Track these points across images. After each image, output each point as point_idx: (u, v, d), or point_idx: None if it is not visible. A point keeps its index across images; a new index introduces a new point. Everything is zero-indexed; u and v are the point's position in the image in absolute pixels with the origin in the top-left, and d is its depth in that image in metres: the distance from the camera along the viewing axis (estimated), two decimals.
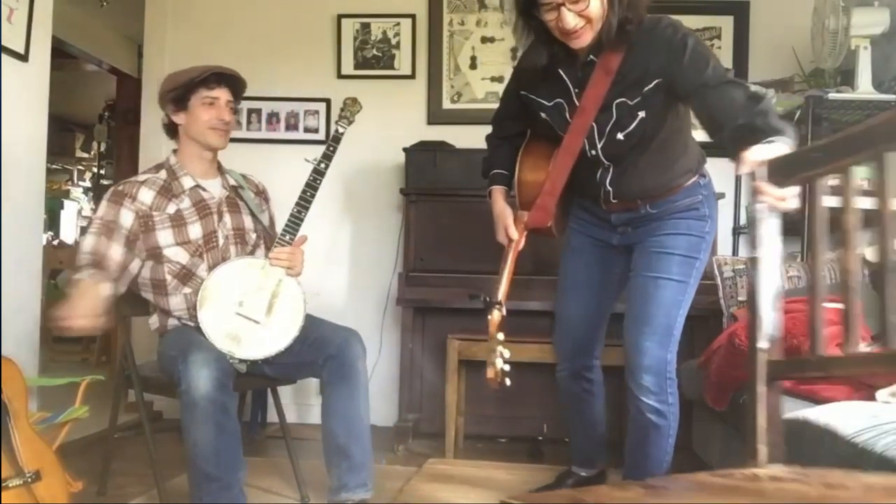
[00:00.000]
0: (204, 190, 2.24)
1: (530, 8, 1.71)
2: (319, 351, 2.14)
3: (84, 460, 2.55)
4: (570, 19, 1.65)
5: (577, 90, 1.81)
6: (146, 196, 2.17)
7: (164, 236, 2.14)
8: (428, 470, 2.85)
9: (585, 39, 1.70)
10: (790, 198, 1.26)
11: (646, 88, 1.74)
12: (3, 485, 1.77)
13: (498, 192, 2.06)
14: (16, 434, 1.81)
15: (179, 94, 2.19)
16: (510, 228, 1.95)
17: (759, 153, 1.34)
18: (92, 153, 8.46)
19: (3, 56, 2.50)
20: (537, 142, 2.02)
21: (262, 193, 2.42)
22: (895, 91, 2.69)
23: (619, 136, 1.81)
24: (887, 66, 2.78)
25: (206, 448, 1.90)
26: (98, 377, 2.26)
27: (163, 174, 2.23)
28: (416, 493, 2.57)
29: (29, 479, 1.81)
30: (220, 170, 2.33)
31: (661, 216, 1.92)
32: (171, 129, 2.27)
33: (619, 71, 1.74)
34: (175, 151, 2.27)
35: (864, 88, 2.67)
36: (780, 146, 1.39)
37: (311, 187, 2.23)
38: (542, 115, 1.92)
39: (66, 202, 8.86)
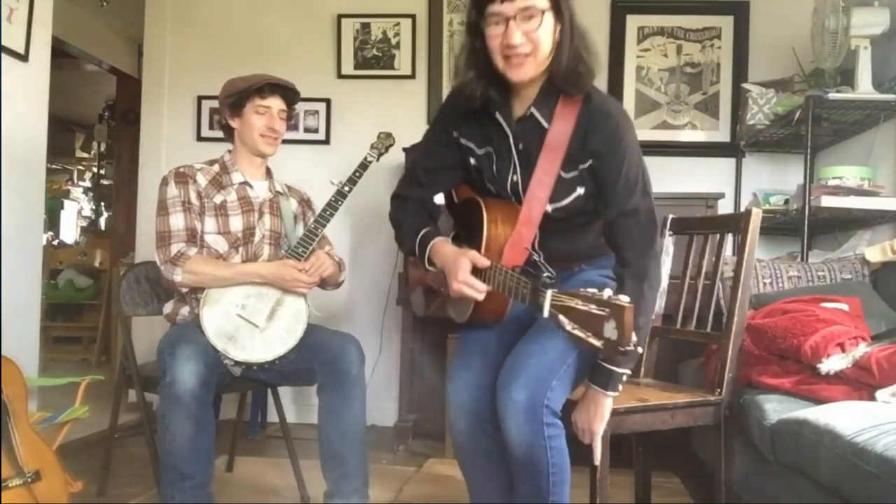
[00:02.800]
0: (250, 187, 2.31)
1: (479, 22, 1.55)
2: (315, 357, 2.15)
3: (84, 460, 2.55)
4: (517, 36, 1.50)
5: (519, 146, 1.62)
6: (202, 181, 2.25)
7: (209, 223, 2.22)
8: (428, 470, 2.86)
9: (526, 70, 1.54)
10: None
11: (581, 166, 1.59)
12: (3, 485, 1.77)
13: (440, 241, 1.67)
14: (16, 434, 1.82)
15: (235, 100, 2.26)
16: (471, 281, 1.54)
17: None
18: (92, 153, 8.46)
19: (3, 56, 2.50)
20: (493, 197, 1.69)
21: (305, 203, 2.48)
22: (895, 91, 2.69)
23: (548, 208, 1.61)
24: (887, 66, 2.77)
25: (184, 445, 1.91)
26: (98, 377, 2.26)
27: (216, 167, 2.31)
28: (416, 493, 2.57)
29: (29, 479, 1.81)
30: (269, 174, 2.40)
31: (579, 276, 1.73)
32: (227, 131, 2.35)
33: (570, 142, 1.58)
34: (230, 151, 2.35)
35: (864, 88, 2.67)
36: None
37: (332, 207, 2.29)
38: (472, 160, 1.70)
39: (66, 202, 8.86)
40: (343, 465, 2.10)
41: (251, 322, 2.12)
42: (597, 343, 1.28)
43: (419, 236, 1.70)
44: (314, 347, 2.16)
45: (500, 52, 1.53)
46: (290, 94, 2.32)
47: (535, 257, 1.68)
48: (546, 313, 1.37)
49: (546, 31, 1.52)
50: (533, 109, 1.60)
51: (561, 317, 1.34)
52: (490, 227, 1.61)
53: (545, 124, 1.59)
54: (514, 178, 1.64)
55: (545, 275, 1.41)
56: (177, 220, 2.17)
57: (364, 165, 2.39)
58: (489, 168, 1.67)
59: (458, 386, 1.70)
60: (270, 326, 2.14)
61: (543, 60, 1.54)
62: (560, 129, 1.57)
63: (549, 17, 1.51)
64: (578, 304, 1.32)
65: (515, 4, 1.49)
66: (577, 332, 1.31)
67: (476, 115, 1.66)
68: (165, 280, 2.17)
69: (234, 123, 2.30)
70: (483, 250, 1.59)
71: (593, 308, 1.29)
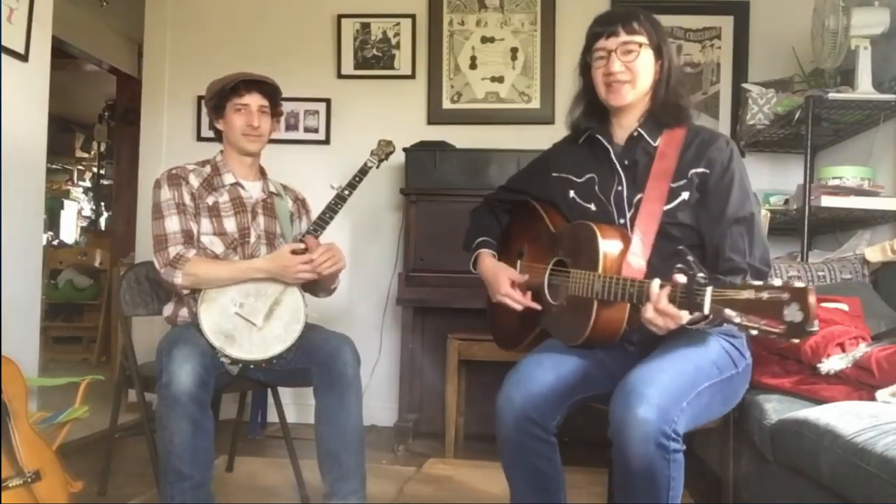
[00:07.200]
0: (243, 188, 2.30)
1: (588, 61, 1.77)
2: (310, 358, 2.15)
3: (84, 460, 2.55)
4: (617, 65, 1.71)
5: (624, 163, 1.76)
6: (194, 182, 2.25)
7: (204, 225, 2.22)
8: (428, 470, 2.86)
9: (624, 95, 1.73)
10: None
11: (691, 171, 1.70)
12: (3, 485, 1.77)
13: (485, 254, 1.95)
14: (16, 434, 1.82)
15: (216, 102, 2.27)
16: (512, 294, 1.81)
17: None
18: (92, 153, 8.47)
19: (3, 56, 2.50)
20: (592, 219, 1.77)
21: (301, 202, 2.47)
22: (895, 91, 2.69)
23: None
24: (887, 66, 2.77)
25: (182, 445, 1.91)
26: (98, 377, 2.26)
27: (208, 168, 2.30)
28: (416, 493, 2.57)
29: (29, 479, 1.81)
30: (263, 174, 2.39)
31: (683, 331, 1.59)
32: (218, 133, 2.34)
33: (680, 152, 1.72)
34: (221, 152, 2.35)
35: (864, 88, 2.67)
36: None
37: (332, 211, 2.28)
38: (571, 192, 1.84)
39: (66, 202, 8.87)
40: (340, 467, 2.10)
41: (249, 321, 2.12)
42: (777, 329, 1.21)
43: (477, 241, 1.98)
44: (310, 348, 2.16)
45: (602, 80, 1.73)
46: (268, 89, 2.29)
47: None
48: (707, 309, 1.33)
49: (644, 64, 1.71)
50: (640, 130, 1.75)
51: (727, 310, 1.28)
52: (605, 244, 1.63)
53: (653, 143, 1.74)
54: (619, 188, 1.76)
55: (700, 275, 1.38)
56: (172, 223, 2.16)
57: (364, 171, 2.39)
58: (591, 188, 1.80)
59: (510, 389, 1.69)
60: (268, 325, 2.13)
61: (641, 90, 1.73)
62: (669, 145, 1.73)
63: (648, 53, 1.71)
64: (750, 295, 1.26)
65: (617, 40, 1.70)
66: (749, 323, 1.25)
67: (579, 148, 1.86)
68: (167, 283, 2.16)
69: (219, 125, 2.30)
70: (602, 268, 1.61)
71: (768, 294, 1.22)
